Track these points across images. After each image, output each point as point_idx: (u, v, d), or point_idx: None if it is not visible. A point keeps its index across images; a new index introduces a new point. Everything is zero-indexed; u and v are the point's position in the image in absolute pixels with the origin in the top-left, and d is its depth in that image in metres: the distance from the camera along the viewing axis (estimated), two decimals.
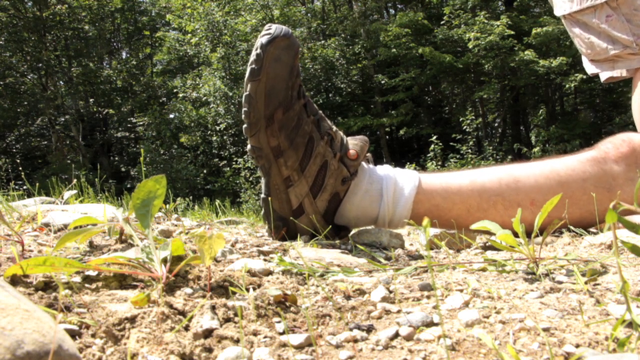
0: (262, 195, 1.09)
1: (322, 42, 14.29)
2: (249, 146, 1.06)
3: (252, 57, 1.03)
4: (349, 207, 1.08)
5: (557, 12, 1.30)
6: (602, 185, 1.04)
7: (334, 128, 1.09)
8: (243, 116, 1.04)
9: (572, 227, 1.00)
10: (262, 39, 1.02)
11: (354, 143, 1.09)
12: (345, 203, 1.07)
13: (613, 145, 1.08)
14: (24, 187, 2.00)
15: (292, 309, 0.59)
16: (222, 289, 0.63)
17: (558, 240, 0.97)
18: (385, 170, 1.12)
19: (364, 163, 1.11)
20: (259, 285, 0.66)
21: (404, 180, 1.09)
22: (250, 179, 10.00)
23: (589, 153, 1.09)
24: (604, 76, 1.28)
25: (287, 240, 1.05)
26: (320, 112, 1.11)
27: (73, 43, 15.65)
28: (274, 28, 1.03)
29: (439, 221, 1.07)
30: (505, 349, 0.46)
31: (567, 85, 11.36)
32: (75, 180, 1.74)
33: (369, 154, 1.14)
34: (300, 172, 1.03)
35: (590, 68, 1.30)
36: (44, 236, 0.91)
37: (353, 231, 1.12)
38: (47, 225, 0.97)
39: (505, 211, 1.05)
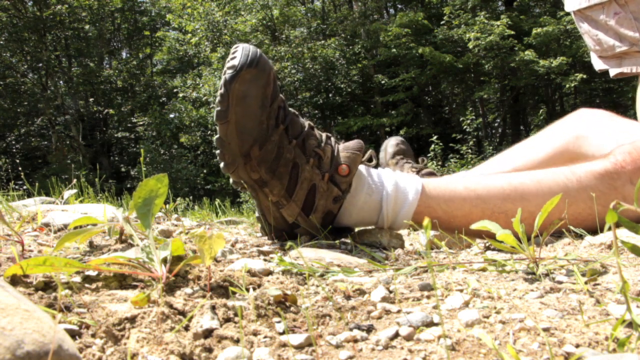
0: (257, 214, 1.07)
1: (322, 42, 14.28)
2: (230, 180, 1.01)
3: (217, 97, 0.96)
4: (347, 219, 1.05)
5: (568, 7, 1.29)
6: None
7: (323, 143, 1.02)
8: (218, 158, 0.99)
9: (572, 227, 0.99)
10: (225, 75, 0.94)
11: (345, 155, 1.02)
12: (341, 215, 1.04)
13: (631, 158, 0.99)
14: (24, 187, 2.00)
15: (292, 309, 0.59)
16: (222, 289, 0.63)
17: (558, 241, 0.97)
18: (386, 177, 1.07)
19: (363, 168, 1.06)
20: (259, 285, 0.66)
21: (405, 189, 1.04)
22: None
23: (603, 165, 1.01)
24: (613, 72, 1.28)
25: (287, 240, 1.05)
26: (308, 124, 1.04)
27: (73, 43, 15.66)
28: (239, 56, 0.94)
29: (439, 228, 1.05)
30: (505, 349, 0.46)
31: (567, 85, 11.37)
32: (75, 180, 1.74)
33: (372, 151, 1.08)
34: (288, 198, 0.99)
35: (598, 64, 1.30)
36: (44, 236, 0.91)
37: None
38: (47, 225, 0.98)
39: (507, 226, 1.01)
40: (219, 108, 0.95)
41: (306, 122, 1.05)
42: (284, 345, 0.49)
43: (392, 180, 1.05)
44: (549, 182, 1.01)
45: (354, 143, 1.05)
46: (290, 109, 1.03)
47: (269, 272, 0.73)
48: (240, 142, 0.95)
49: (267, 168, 0.97)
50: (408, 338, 0.49)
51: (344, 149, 1.03)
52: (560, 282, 0.64)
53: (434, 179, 1.09)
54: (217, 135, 0.97)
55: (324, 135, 1.05)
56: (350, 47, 14.70)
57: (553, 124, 1.38)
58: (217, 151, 0.98)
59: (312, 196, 1.00)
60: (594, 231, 0.95)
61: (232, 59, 0.95)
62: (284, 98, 1.02)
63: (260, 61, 0.95)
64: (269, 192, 0.98)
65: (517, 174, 1.06)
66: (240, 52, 0.94)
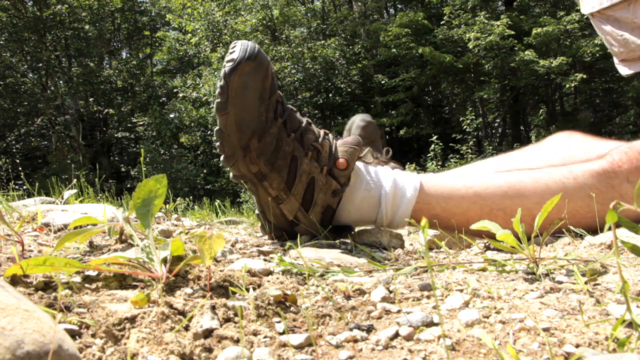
0: (256, 212, 1.08)
1: (322, 42, 14.29)
2: (231, 174, 1.02)
3: (217, 89, 0.97)
4: (346, 215, 1.06)
5: (585, 9, 1.22)
6: (609, 204, 0.97)
7: (320, 137, 1.03)
8: (217, 150, 1.00)
9: (572, 227, 0.99)
10: (225, 68, 0.95)
11: (343, 150, 1.03)
12: (341, 210, 1.05)
13: (627, 157, 1.00)
14: (24, 187, 2.00)
15: (292, 309, 0.59)
16: (222, 289, 0.63)
17: (558, 240, 0.97)
18: (384, 174, 1.07)
19: (361, 165, 1.07)
20: (259, 285, 0.66)
21: (403, 186, 1.04)
22: None
23: (600, 164, 1.01)
24: None
25: (287, 240, 1.05)
26: (305, 120, 1.05)
27: (73, 43, 15.67)
28: (237, 50, 0.95)
29: (438, 226, 1.05)
30: (505, 349, 0.46)
31: (567, 85, 11.36)
32: (75, 180, 1.74)
33: (370, 149, 1.09)
34: (287, 191, 1.00)
35: (623, 70, 1.24)
36: (44, 236, 0.91)
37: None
38: (47, 225, 0.98)
39: (506, 225, 1.00)
40: (218, 100, 0.97)
41: (304, 118, 1.05)
42: (284, 345, 0.49)
43: (391, 177, 1.06)
44: (546, 180, 1.02)
45: (352, 138, 1.05)
46: (288, 105, 1.04)
47: (269, 272, 0.73)
48: (239, 134, 0.97)
49: (266, 160, 0.98)
50: (408, 338, 0.49)
51: (342, 143, 1.05)
52: (560, 282, 0.64)
53: (433, 175, 1.10)
54: (217, 127, 0.98)
55: (321, 131, 1.06)
56: (350, 47, 14.70)
57: (532, 145, 1.34)
58: (217, 143, 0.99)
59: (311, 191, 1.01)
60: (593, 230, 0.96)
61: (231, 52, 0.96)
62: (282, 94, 1.03)
63: (259, 55, 0.96)
64: (268, 185, 0.99)
65: (515, 172, 1.07)
66: (239, 47, 0.96)
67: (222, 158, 1.00)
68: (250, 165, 0.98)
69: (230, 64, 0.95)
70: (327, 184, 1.01)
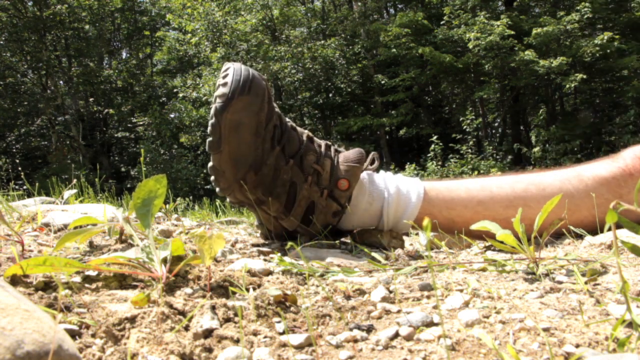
0: (256, 222, 1.06)
1: (322, 42, 14.29)
2: (228, 199, 0.99)
3: (209, 126, 0.91)
4: (347, 225, 1.04)
5: None
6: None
7: (322, 155, 0.98)
8: (213, 184, 0.96)
9: (572, 228, 0.99)
10: (216, 104, 0.89)
11: (345, 169, 0.98)
12: (341, 223, 1.03)
13: None
14: (24, 187, 2.00)
15: (292, 309, 0.59)
16: (222, 289, 0.63)
17: (558, 241, 0.97)
18: (387, 182, 1.03)
19: (364, 174, 1.03)
20: (259, 285, 0.66)
21: (407, 196, 1.01)
22: None
23: (610, 169, 0.98)
24: None
25: (287, 240, 1.05)
26: (306, 135, 1.00)
27: (73, 43, 15.66)
28: (230, 81, 0.88)
29: (439, 228, 1.04)
30: (505, 349, 0.46)
31: (567, 85, 11.35)
32: (75, 180, 1.74)
33: (374, 153, 1.05)
34: (287, 213, 0.96)
35: None
36: (44, 236, 0.91)
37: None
38: (47, 225, 0.98)
39: (507, 228, 0.98)
40: (211, 138, 0.91)
41: (304, 134, 1.01)
42: (284, 345, 0.49)
43: (394, 186, 1.03)
44: (554, 190, 0.99)
45: (354, 154, 1.01)
46: (287, 120, 1.00)
47: (269, 272, 0.73)
48: (235, 170, 0.92)
49: (264, 190, 0.95)
50: (408, 338, 0.49)
51: (344, 160, 1.00)
52: (560, 282, 0.64)
53: (436, 183, 1.07)
54: (211, 164, 0.94)
55: (322, 144, 1.02)
56: (350, 47, 14.71)
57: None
58: (212, 178, 0.95)
59: (311, 214, 0.98)
60: (594, 231, 0.96)
61: (223, 85, 0.90)
62: (279, 113, 0.99)
63: (253, 85, 0.90)
64: (267, 209, 0.97)
65: (522, 178, 1.03)
66: (230, 77, 0.89)
67: (217, 190, 0.97)
68: (248, 194, 0.94)
69: (221, 100, 0.88)
70: (327, 206, 0.98)
